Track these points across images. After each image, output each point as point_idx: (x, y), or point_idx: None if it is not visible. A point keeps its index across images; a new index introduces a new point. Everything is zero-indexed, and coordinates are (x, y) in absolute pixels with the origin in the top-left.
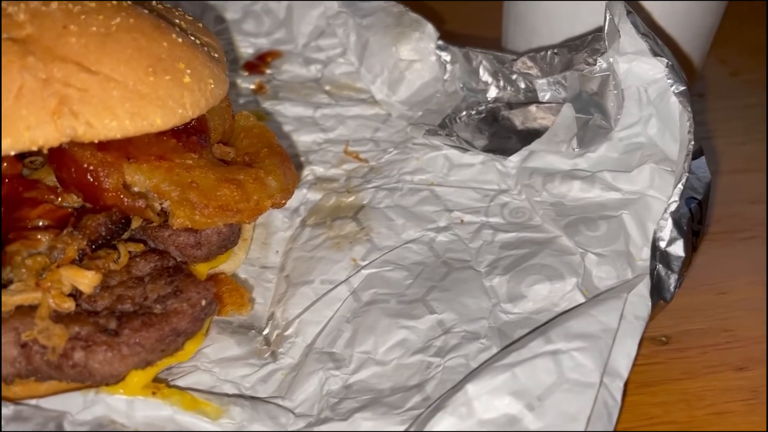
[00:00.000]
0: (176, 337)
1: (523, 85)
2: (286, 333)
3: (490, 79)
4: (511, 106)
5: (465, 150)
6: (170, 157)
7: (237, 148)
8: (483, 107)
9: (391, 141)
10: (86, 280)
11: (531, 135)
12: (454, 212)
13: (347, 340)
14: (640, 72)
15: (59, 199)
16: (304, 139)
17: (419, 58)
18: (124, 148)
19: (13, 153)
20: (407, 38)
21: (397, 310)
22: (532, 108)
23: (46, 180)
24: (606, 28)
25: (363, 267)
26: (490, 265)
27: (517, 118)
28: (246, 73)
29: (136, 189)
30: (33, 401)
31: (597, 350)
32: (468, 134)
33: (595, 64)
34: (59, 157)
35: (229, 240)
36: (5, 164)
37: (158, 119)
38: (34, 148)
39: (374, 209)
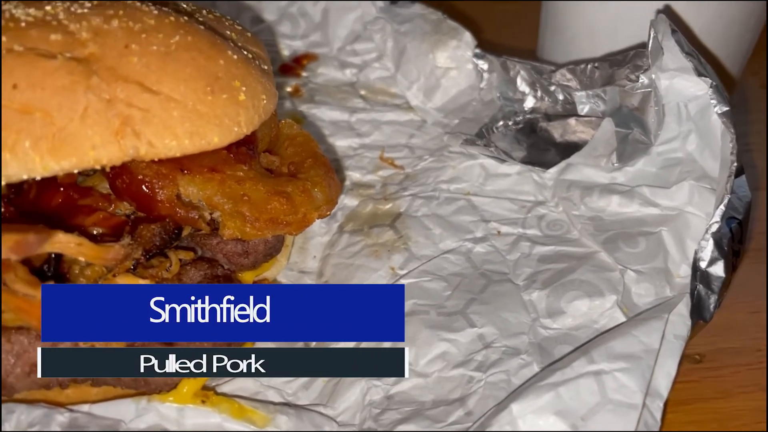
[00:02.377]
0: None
1: (561, 97)
2: None
3: (527, 89)
4: (549, 117)
5: (502, 160)
6: (222, 169)
7: (281, 156)
8: (521, 118)
9: (427, 148)
10: None
11: (570, 148)
12: (490, 223)
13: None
14: (681, 88)
15: (112, 206)
16: (340, 143)
17: (456, 65)
18: (177, 160)
19: (76, 171)
20: (445, 46)
21: (437, 321)
22: (571, 121)
23: (99, 187)
24: (650, 45)
25: (402, 276)
26: (528, 278)
27: (556, 131)
28: (282, 76)
29: (189, 200)
30: (85, 407)
31: (639, 371)
32: (506, 144)
33: (637, 81)
34: (114, 167)
35: (275, 248)
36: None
37: (215, 138)
38: (98, 167)
39: (411, 217)
